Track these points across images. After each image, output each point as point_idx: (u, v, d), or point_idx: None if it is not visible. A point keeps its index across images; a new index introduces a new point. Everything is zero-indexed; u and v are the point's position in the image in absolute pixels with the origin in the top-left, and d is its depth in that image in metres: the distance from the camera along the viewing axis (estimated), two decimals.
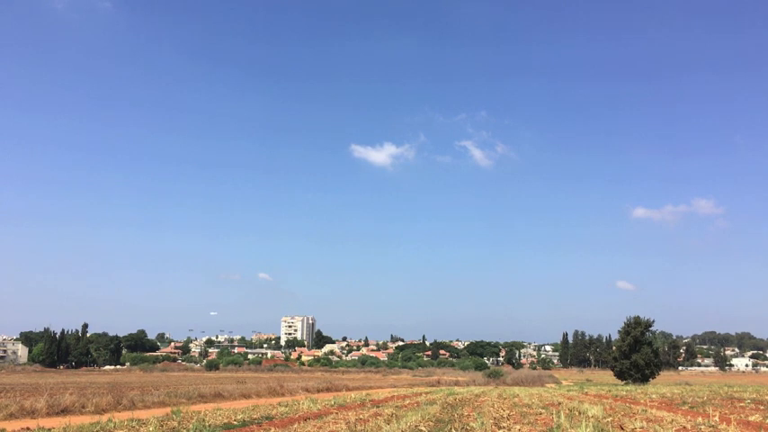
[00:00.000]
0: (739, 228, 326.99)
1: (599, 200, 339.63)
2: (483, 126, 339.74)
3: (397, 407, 21.92)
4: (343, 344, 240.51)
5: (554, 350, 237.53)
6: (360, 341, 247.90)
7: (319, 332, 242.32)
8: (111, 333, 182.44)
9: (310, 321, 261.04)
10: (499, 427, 14.14)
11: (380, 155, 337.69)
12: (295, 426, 14.87)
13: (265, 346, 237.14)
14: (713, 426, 13.85)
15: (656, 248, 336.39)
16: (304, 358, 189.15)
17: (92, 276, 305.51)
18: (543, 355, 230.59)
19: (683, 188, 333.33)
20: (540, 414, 18.52)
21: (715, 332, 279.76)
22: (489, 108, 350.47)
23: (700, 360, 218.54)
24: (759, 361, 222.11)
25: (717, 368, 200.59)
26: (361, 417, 17.28)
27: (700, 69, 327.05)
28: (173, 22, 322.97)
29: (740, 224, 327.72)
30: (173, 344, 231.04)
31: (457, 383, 75.94)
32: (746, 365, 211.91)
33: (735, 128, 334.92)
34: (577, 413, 17.88)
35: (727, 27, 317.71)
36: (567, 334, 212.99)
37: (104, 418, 17.71)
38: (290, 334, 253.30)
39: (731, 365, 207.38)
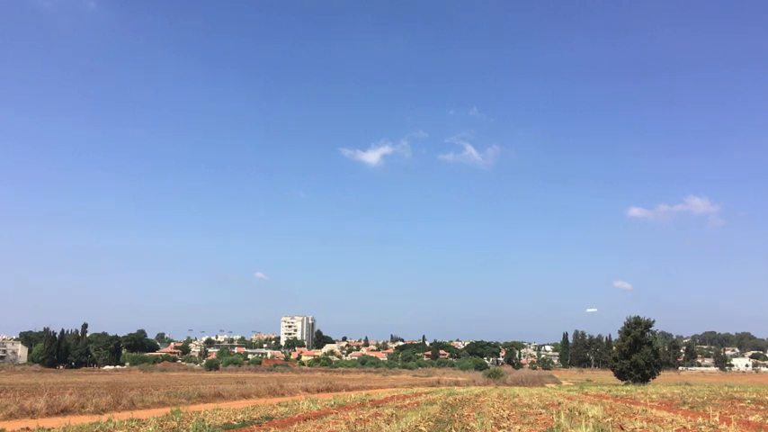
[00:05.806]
0: (736, 225, 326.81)
1: (594, 200, 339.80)
2: (481, 126, 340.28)
3: (396, 407, 21.89)
4: (343, 344, 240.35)
5: (554, 350, 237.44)
6: (360, 341, 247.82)
7: (319, 332, 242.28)
8: (111, 333, 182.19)
9: (310, 321, 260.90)
10: (499, 427, 14.12)
11: (376, 154, 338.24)
12: (295, 426, 14.85)
13: (265, 346, 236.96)
14: (713, 426, 13.83)
15: (653, 248, 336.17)
16: (304, 358, 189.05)
17: (92, 276, 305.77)
18: (543, 355, 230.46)
19: (677, 187, 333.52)
20: (540, 414, 18.51)
21: (715, 332, 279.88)
22: (488, 108, 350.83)
23: (700, 360, 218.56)
24: (759, 361, 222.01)
25: (717, 368, 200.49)
26: (361, 417, 17.26)
27: (693, 69, 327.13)
28: (171, 22, 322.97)
29: (736, 221, 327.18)
30: (172, 344, 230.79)
31: (457, 383, 75.93)
32: (746, 365, 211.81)
33: (728, 126, 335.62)
34: (577, 413, 17.86)
35: (721, 27, 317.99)
36: (567, 334, 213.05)
37: (104, 418, 17.71)
38: (289, 334, 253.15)
39: (731, 365, 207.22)
